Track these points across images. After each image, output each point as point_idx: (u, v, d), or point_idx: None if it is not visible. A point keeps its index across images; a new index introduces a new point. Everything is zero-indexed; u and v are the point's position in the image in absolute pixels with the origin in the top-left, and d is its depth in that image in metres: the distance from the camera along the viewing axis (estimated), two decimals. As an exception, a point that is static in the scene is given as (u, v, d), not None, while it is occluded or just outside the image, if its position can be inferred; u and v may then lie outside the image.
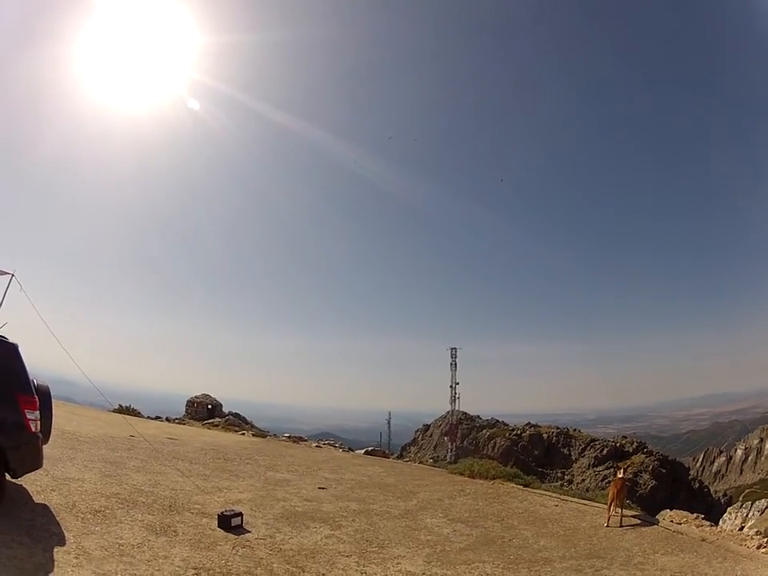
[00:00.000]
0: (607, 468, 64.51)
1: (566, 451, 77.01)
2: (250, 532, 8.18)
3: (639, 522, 11.07)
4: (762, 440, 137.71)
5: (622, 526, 10.54)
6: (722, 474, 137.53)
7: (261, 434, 25.72)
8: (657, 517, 11.91)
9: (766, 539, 9.41)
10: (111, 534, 7.07)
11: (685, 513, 11.95)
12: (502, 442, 78.19)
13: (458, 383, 77.64)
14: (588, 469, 69.89)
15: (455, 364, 76.86)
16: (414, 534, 9.11)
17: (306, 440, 24.57)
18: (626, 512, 11.39)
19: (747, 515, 11.38)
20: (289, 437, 23.83)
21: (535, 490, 14.37)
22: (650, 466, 67.38)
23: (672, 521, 11.44)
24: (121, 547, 6.65)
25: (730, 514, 12.00)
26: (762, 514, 11.14)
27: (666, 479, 66.73)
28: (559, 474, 69.43)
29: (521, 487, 14.41)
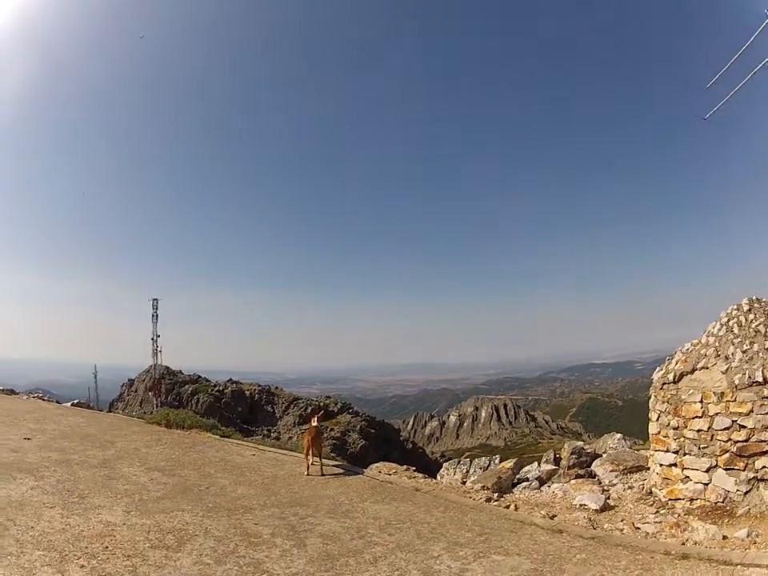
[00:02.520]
0: (313, 426, 67.44)
1: (269, 409, 78.58)
2: (-36, 484, 8.01)
3: (342, 471, 10.88)
4: (476, 408, 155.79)
5: (323, 475, 10.25)
6: (437, 437, 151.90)
7: (-23, 385, 23.36)
8: (364, 469, 11.43)
9: (496, 494, 9.43)
10: None
11: (394, 464, 11.70)
12: (205, 398, 77.59)
13: (159, 336, 75.48)
14: (294, 427, 71.38)
15: (156, 316, 74.56)
16: (112, 483, 8.73)
17: (17, 393, 23.27)
18: (328, 462, 11.23)
19: (468, 471, 11.89)
20: (2, 390, 22.97)
21: (232, 440, 14.11)
22: (358, 426, 71.04)
23: (380, 471, 11.12)
24: None
25: (448, 469, 12.33)
26: (484, 471, 11.46)
27: (377, 439, 70.67)
28: (265, 432, 69.61)
29: (218, 437, 14.10)
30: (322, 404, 77.09)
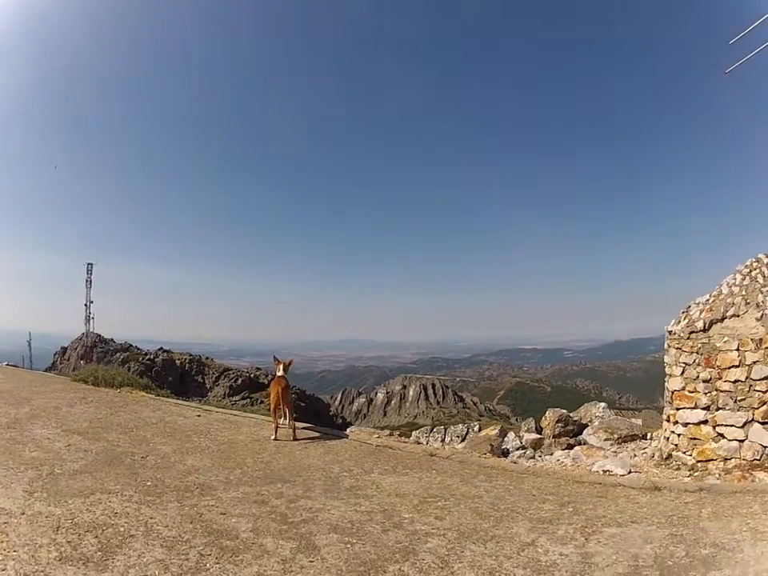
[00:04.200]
0: (244, 398, 65.86)
1: (200, 379, 77.06)
2: None
3: (319, 434, 8.69)
4: (404, 387, 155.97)
5: (296, 440, 8.15)
6: (364, 414, 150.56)
7: None
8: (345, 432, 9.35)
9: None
10: None
11: (372, 429, 9.99)
12: (136, 367, 75.35)
13: (92, 302, 73.82)
14: (224, 398, 70.47)
15: (90, 281, 72.96)
16: (17, 449, 6.74)
17: (-59, 357, 22.34)
18: (299, 423, 9.01)
19: (445, 439, 11.04)
20: None
21: (170, 400, 12.27)
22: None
23: (360, 433, 9.11)
24: None
25: (419, 438, 11.31)
26: (462, 439, 10.68)
27: (307, 413, 70.28)
28: (197, 402, 69.27)
29: (153, 396, 12.20)
30: (252, 375, 75.92)
